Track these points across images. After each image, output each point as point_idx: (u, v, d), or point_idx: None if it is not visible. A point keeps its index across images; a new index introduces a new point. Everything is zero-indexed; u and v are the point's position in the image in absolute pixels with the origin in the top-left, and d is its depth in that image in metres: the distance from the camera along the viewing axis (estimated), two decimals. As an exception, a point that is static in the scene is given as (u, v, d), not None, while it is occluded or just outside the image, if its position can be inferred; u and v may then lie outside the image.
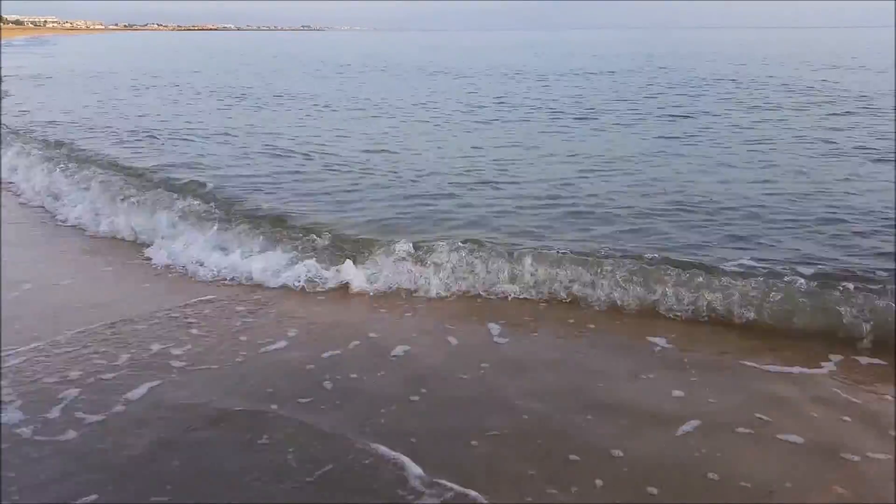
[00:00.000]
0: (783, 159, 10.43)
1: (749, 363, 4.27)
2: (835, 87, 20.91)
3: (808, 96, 18.63)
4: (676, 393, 3.88)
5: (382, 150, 11.65)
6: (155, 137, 12.81)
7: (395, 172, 9.91)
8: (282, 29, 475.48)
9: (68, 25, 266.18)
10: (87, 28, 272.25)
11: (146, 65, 39.17)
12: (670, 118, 15.21)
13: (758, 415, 3.65)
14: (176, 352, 4.38)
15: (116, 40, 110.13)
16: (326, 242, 6.30)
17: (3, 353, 4.26)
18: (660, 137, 12.72)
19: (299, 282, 5.61)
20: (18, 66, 35.42)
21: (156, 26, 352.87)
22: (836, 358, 4.35)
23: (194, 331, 4.74)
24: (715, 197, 8.23)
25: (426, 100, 19.93)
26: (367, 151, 11.54)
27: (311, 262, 5.78)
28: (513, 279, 5.53)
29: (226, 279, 5.79)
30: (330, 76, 30.44)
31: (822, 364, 4.26)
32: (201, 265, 5.97)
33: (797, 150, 11.14)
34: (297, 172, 9.86)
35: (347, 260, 5.78)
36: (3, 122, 13.90)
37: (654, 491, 3.04)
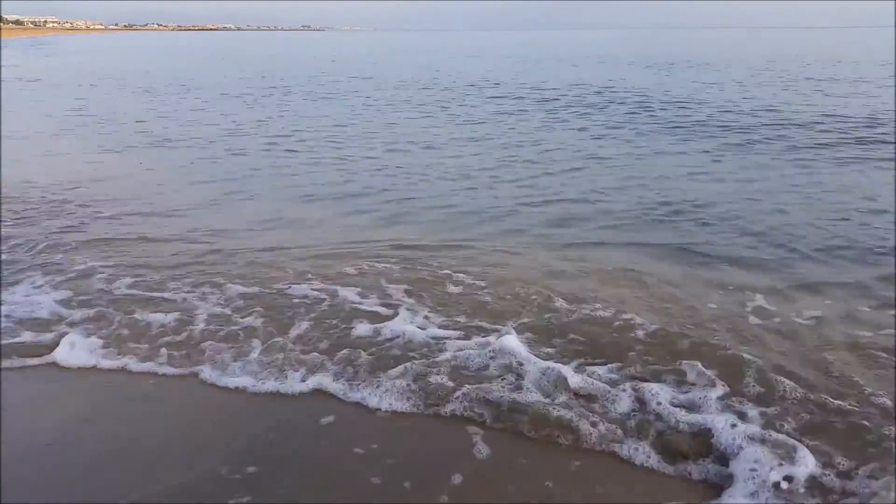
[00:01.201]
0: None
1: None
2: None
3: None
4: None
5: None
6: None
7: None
8: (282, 29, 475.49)
9: (68, 25, 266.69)
10: (87, 28, 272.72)
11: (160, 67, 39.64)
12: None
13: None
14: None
15: (117, 41, 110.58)
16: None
17: None
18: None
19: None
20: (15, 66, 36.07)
21: (156, 26, 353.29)
22: None
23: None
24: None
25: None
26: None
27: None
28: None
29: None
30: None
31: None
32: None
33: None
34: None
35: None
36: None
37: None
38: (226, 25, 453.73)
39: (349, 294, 5.24)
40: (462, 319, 4.81)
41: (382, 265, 5.88)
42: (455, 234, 6.89)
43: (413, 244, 6.54)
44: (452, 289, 5.35)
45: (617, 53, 50.51)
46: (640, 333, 4.54)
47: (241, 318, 4.85)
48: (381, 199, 8.44)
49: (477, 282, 5.47)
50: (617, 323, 4.69)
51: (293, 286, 5.37)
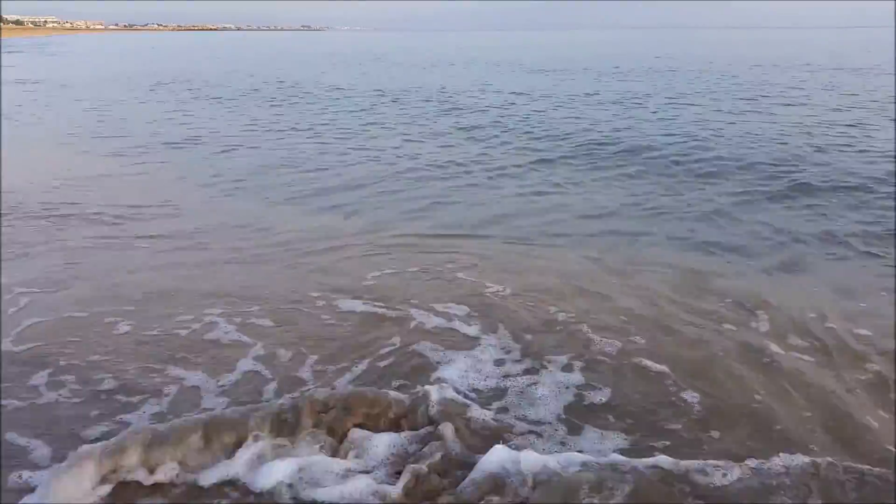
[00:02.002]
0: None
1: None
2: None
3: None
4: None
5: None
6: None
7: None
8: (282, 29, 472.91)
9: (68, 25, 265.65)
10: (87, 28, 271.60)
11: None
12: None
13: None
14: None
15: (118, 41, 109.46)
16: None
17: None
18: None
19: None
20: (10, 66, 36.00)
21: (156, 26, 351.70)
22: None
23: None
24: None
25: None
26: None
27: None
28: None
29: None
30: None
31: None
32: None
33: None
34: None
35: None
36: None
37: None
38: (226, 25, 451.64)
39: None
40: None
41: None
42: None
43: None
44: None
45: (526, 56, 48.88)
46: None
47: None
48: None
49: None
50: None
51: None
